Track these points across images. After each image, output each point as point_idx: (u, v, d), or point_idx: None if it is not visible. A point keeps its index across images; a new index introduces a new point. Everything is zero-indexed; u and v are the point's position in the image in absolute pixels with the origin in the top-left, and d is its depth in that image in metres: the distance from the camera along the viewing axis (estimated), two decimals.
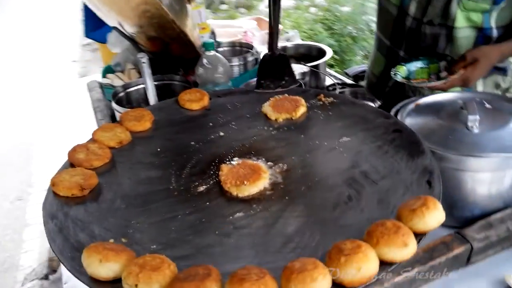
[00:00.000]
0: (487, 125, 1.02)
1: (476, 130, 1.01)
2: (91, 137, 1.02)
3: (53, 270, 2.52)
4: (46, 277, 2.49)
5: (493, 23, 1.27)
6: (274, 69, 1.10)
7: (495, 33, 1.29)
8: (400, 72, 1.30)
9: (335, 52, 4.37)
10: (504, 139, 0.99)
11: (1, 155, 3.71)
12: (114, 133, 1.02)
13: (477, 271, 0.93)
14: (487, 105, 1.11)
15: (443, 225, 1.02)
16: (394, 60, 1.48)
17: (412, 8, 1.35)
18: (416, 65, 1.33)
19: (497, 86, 1.42)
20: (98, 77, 2.01)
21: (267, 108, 1.12)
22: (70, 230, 0.76)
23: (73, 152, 0.94)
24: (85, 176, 0.87)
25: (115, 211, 0.82)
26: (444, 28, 1.32)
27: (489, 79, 1.40)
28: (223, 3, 9.41)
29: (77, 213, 0.81)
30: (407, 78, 1.30)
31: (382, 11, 1.51)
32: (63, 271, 0.99)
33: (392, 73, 1.30)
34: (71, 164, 0.93)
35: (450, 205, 1.04)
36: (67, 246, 0.73)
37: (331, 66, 4.37)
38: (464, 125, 1.03)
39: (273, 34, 1.11)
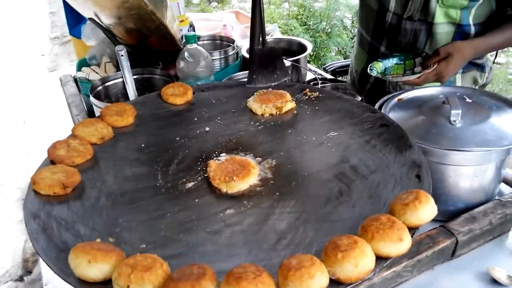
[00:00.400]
0: (469, 119, 1.04)
1: (458, 124, 1.03)
2: (70, 133, 0.98)
3: (28, 271, 2.42)
4: (21, 279, 2.40)
5: (471, 20, 1.30)
6: (265, 63, 1.08)
7: (472, 30, 1.32)
8: (376, 68, 1.32)
9: None
10: (486, 133, 1.01)
11: None
12: (95, 129, 0.98)
13: (462, 264, 0.95)
14: (468, 100, 1.13)
15: None
16: (375, 56, 1.49)
17: (392, 4, 1.36)
18: (392, 62, 1.36)
19: (475, 81, 1.46)
20: (68, 71, 1.94)
21: (252, 103, 1.11)
22: (54, 230, 0.73)
23: (53, 148, 0.90)
24: (67, 174, 0.83)
25: (101, 209, 0.79)
26: (424, 24, 1.33)
27: (468, 74, 1.43)
28: None
29: (60, 212, 0.77)
30: (383, 73, 1.32)
31: (363, 6, 1.51)
32: (44, 272, 0.95)
33: (368, 68, 1.31)
34: (51, 161, 0.89)
35: (434, 199, 1.05)
36: (52, 246, 0.69)
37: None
38: (446, 119, 1.04)
39: (262, 27, 1.10)
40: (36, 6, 6.16)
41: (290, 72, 1.52)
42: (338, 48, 4.60)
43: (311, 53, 4.41)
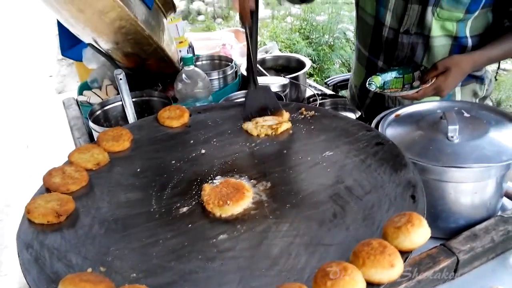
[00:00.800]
0: (467, 134, 1.03)
1: (456, 140, 1.01)
2: (67, 159, 0.99)
3: None
4: None
5: (468, 32, 1.29)
6: (259, 101, 1.11)
7: (469, 42, 1.31)
8: (375, 82, 1.31)
9: (313, 61, 4.41)
10: (484, 149, 0.99)
11: None
12: (91, 155, 0.99)
13: (464, 284, 0.92)
14: (466, 114, 1.12)
15: None
16: (373, 71, 1.49)
17: (388, 18, 1.36)
18: (391, 75, 1.35)
19: (475, 94, 1.44)
20: (75, 93, 1.97)
21: (247, 124, 1.11)
22: (46, 260, 0.73)
23: (48, 176, 0.91)
24: (61, 202, 0.83)
25: (94, 237, 0.79)
26: (420, 37, 1.33)
27: (467, 87, 1.42)
28: (200, 14, 9.46)
29: (53, 241, 0.77)
30: (382, 87, 1.31)
31: (359, 22, 1.52)
32: None
33: (367, 83, 1.31)
34: (46, 189, 0.90)
35: (435, 216, 1.04)
36: (43, 277, 0.69)
37: (310, 75, 4.40)
38: (444, 135, 1.03)
39: (253, 67, 1.12)
40: (44, 28, 6.28)
41: (285, 90, 1.52)
42: (341, 61, 4.61)
43: (315, 66, 4.42)
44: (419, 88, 1.22)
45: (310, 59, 4.34)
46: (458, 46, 1.32)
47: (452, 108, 1.14)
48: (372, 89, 1.29)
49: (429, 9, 1.26)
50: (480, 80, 1.42)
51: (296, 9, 6.48)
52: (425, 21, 1.29)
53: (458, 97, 1.42)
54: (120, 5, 1.23)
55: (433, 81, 1.22)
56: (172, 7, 1.58)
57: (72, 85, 4.77)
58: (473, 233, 0.97)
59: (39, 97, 4.54)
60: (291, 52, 4.55)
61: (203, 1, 9.99)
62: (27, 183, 3.19)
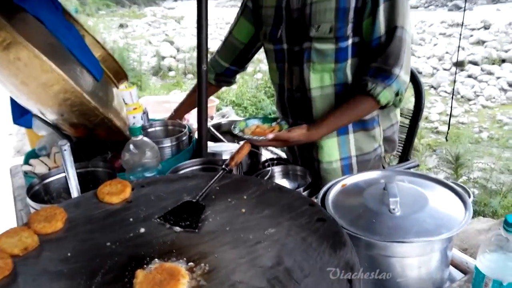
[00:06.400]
0: (408, 206, 1.04)
1: (398, 213, 1.02)
2: None
3: None
4: None
5: (349, 77, 1.44)
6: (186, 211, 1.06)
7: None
8: (239, 126, 1.45)
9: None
10: (425, 222, 1.00)
11: None
12: (19, 238, 0.93)
13: None
14: (407, 184, 1.13)
15: None
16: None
17: (285, 82, 1.55)
18: (253, 122, 1.49)
19: (373, 137, 1.56)
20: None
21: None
22: None
23: None
24: None
25: None
26: (304, 91, 1.49)
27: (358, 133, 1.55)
28: (170, 70, 9.63)
29: None
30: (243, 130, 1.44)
31: (275, 91, 1.72)
32: None
33: (233, 128, 1.44)
34: None
35: None
36: None
37: None
38: (387, 207, 1.04)
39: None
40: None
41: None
42: None
43: None
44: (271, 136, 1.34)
45: (275, 117, 4.42)
46: (341, 92, 1.46)
47: (393, 178, 1.14)
48: (236, 132, 1.41)
49: (305, 65, 1.43)
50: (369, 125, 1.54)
51: (265, 65, 6.70)
52: (304, 77, 1.45)
53: (352, 143, 1.54)
54: (64, 78, 1.22)
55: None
56: (124, 76, 1.58)
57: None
58: None
59: None
60: (257, 109, 4.63)
61: (175, 58, 10.23)
62: None
